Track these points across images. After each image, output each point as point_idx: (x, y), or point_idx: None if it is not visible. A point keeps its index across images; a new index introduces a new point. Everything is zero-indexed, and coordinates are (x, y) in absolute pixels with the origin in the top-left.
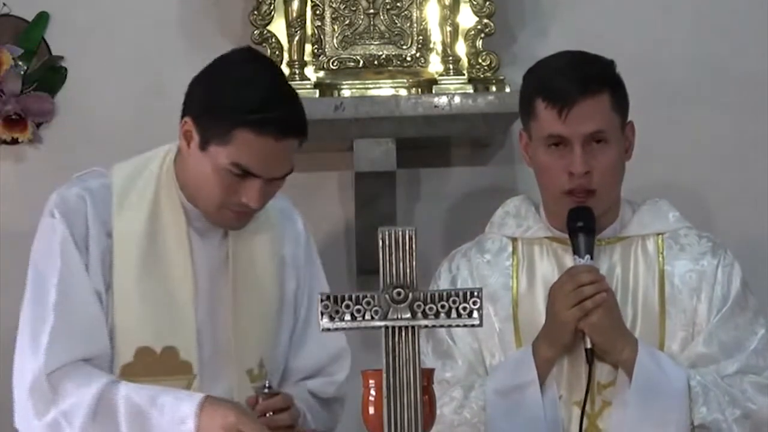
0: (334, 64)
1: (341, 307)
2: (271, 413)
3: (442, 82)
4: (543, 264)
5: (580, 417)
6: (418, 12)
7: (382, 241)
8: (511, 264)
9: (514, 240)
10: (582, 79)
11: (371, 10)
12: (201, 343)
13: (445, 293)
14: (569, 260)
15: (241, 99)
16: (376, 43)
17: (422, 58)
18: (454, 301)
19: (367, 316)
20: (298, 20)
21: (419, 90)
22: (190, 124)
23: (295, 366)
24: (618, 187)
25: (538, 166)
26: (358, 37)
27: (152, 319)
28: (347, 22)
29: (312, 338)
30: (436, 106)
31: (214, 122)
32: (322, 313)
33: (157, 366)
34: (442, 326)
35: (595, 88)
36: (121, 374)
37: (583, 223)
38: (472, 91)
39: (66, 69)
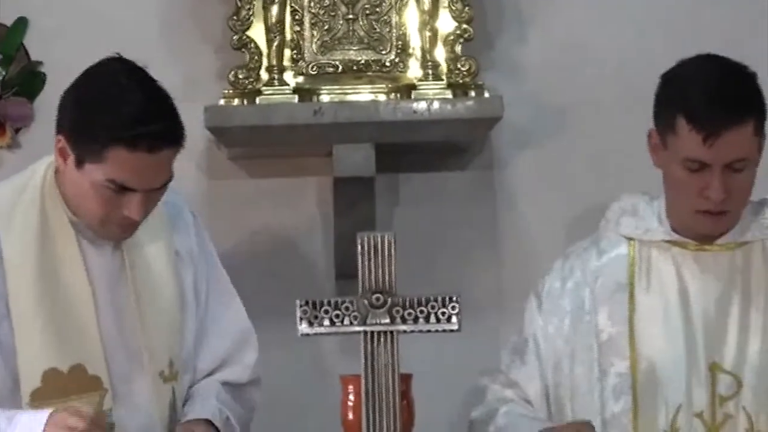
0: (313, 69)
1: (320, 312)
2: None
3: (421, 87)
4: (661, 268)
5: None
6: (397, 17)
7: (361, 246)
8: (627, 266)
9: (630, 240)
10: (731, 108)
11: (350, 15)
12: (111, 354)
13: (423, 298)
14: (688, 265)
15: (111, 117)
16: (355, 48)
17: (401, 64)
18: (432, 306)
19: (346, 321)
20: (277, 25)
21: (398, 95)
22: (64, 142)
23: (203, 359)
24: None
25: (671, 179)
26: (337, 42)
27: (55, 340)
28: (326, 27)
29: (214, 327)
30: (415, 112)
31: (86, 141)
32: (300, 319)
33: (67, 386)
34: (420, 331)
35: (743, 118)
36: (32, 400)
37: None
38: (451, 96)
39: (45, 74)
